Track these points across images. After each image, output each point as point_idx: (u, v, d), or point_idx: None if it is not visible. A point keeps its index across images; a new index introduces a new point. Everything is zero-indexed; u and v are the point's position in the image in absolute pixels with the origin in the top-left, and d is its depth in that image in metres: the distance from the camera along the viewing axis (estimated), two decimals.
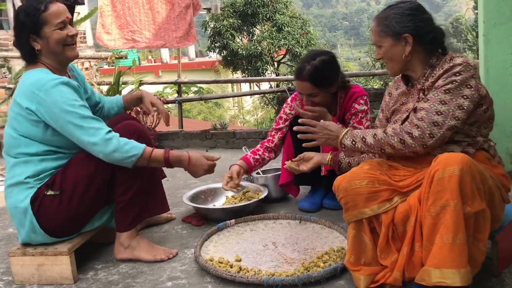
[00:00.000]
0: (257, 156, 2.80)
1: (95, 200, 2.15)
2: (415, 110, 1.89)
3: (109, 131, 2.06)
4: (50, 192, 2.07)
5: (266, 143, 2.86)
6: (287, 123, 2.83)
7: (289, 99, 2.85)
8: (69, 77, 2.22)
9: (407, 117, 1.93)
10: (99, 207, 2.21)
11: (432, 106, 1.79)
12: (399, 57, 1.90)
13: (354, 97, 2.67)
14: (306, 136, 2.09)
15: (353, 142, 1.95)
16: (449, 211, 1.58)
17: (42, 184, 2.10)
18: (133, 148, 2.07)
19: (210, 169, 2.32)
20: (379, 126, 2.18)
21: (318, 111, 2.58)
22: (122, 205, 2.19)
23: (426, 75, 1.91)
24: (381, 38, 1.90)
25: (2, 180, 4.01)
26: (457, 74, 1.79)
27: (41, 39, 2.10)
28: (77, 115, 2.02)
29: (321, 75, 2.48)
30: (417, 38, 1.86)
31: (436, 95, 1.80)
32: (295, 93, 2.83)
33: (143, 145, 2.10)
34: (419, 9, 1.90)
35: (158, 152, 2.14)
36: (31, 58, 2.15)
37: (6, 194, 2.13)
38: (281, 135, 2.85)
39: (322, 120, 2.11)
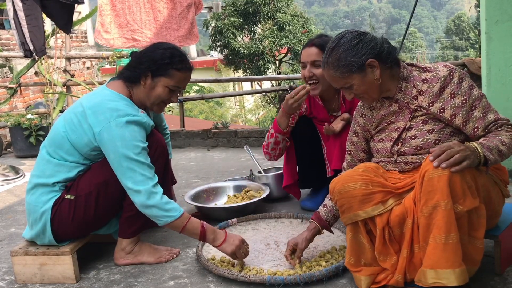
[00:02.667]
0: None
1: (107, 209, 2.13)
2: (408, 129, 1.86)
3: (156, 184, 2.02)
4: (68, 196, 2.08)
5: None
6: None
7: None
8: (144, 110, 2.21)
9: (399, 136, 1.88)
10: (109, 217, 2.20)
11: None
12: (373, 85, 1.83)
13: None
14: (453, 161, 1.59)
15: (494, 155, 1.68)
16: (440, 211, 1.58)
17: (65, 189, 2.11)
18: (173, 209, 2.02)
19: (243, 243, 2.13)
20: (353, 150, 2.11)
21: (347, 118, 2.59)
22: (130, 214, 2.15)
23: (402, 89, 1.87)
24: (347, 79, 1.81)
25: (4, 180, 4.02)
26: (461, 80, 1.79)
27: (152, 81, 2.12)
28: (136, 157, 1.99)
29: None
30: (378, 58, 1.80)
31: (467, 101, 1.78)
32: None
33: (182, 210, 2.05)
34: (360, 34, 1.83)
35: (195, 223, 2.07)
36: (130, 79, 2.15)
37: (30, 189, 2.13)
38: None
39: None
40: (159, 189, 2.02)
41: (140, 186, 1.99)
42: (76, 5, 4.57)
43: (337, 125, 2.62)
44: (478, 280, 1.83)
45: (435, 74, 1.82)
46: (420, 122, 1.85)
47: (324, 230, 2.13)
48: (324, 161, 2.78)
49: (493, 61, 3.11)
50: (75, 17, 5.27)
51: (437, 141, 1.81)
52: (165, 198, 2.03)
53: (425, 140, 1.83)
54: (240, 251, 2.10)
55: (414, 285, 1.70)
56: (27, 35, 4.32)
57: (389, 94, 1.90)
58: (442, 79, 1.80)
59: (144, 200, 1.99)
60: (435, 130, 1.82)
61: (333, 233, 2.25)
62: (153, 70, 2.10)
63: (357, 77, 1.80)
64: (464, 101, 1.77)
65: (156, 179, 2.04)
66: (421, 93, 1.83)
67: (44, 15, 4.59)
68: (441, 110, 1.80)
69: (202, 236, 2.09)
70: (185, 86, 2.24)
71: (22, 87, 5.91)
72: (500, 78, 3.10)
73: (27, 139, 5.04)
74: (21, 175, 4.16)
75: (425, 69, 1.87)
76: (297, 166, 2.86)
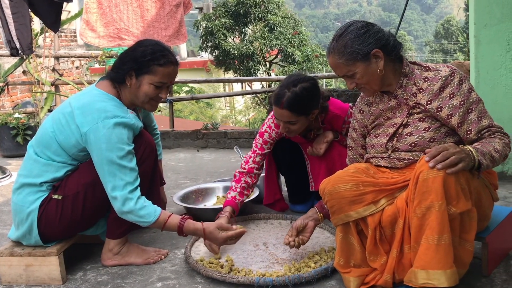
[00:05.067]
0: (244, 197, 2.54)
1: (94, 209, 2.11)
2: (405, 125, 1.88)
3: (134, 190, 2.01)
4: (55, 196, 2.05)
5: (254, 171, 2.57)
6: (272, 147, 2.65)
7: (271, 123, 2.60)
8: (134, 110, 2.19)
9: (395, 132, 1.89)
10: (97, 218, 2.18)
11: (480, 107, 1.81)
12: (376, 76, 1.84)
13: (341, 120, 2.57)
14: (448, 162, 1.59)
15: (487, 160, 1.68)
16: (434, 212, 1.58)
17: (52, 189, 2.09)
18: (148, 215, 2.01)
19: (226, 242, 2.14)
20: (354, 146, 2.13)
21: (330, 139, 2.56)
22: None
23: (403, 85, 1.88)
24: (350, 66, 1.82)
25: None
26: (461, 82, 1.81)
27: (137, 80, 2.09)
28: (118, 161, 1.97)
29: (301, 104, 2.30)
30: (384, 50, 1.82)
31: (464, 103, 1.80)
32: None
33: (159, 212, 2.03)
34: (368, 24, 1.86)
35: (173, 222, 2.07)
36: (116, 80, 2.12)
37: (16, 189, 2.10)
38: (264, 158, 2.65)
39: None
40: (135, 195, 2.01)
41: (116, 192, 1.98)
42: (65, 4, 4.53)
43: (321, 146, 2.57)
44: (465, 282, 1.84)
45: (436, 74, 1.84)
46: (417, 119, 1.86)
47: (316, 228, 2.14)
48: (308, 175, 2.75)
49: (482, 64, 3.13)
50: (64, 16, 5.23)
51: (432, 140, 1.83)
52: (140, 203, 2.01)
53: (420, 137, 1.84)
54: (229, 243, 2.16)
55: (403, 285, 1.70)
56: (13, 33, 4.26)
57: (389, 88, 1.91)
58: (443, 78, 1.82)
59: (120, 206, 1.99)
60: (431, 128, 1.84)
61: None
62: (136, 69, 2.08)
63: (361, 66, 1.82)
64: (462, 103, 1.79)
65: (137, 183, 2.03)
66: (421, 90, 1.85)
67: (31, 13, 4.54)
68: (439, 109, 1.82)
69: (182, 235, 2.12)
70: (172, 81, 2.19)
71: (9, 86, 5.84)
72: (489, 81, 3.12)
73: (14, 138, 4.98)
74: (8, 175, 4.11)
75: (427, 68, 1.89)
76: (279, 183, 2.87)
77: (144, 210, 2.01)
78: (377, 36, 1.82)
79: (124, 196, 1.98)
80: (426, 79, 1.85)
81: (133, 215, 2.00)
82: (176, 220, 2.08)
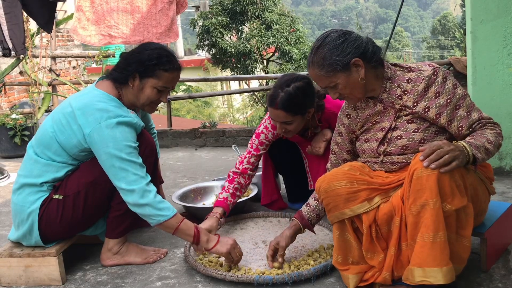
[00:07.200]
0: (236, 199, 2.52)
1: (95, 209, 2.11)
2: (394, 128, 1.87)
3: (149, 183, 2.01)
4: (56, 196, 2.05)
5: (248, 172, 2.58)
6: (267, 148, 2.65)
7: (268, 124, 2.59)
8: (133, 110, 2.19)
9: (385, 136, 1.88)
10: (97, 217, 2.18)
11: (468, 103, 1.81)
12: (358, 84, 1.82)
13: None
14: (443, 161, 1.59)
15: (481, 153, 1.69)
16: (428, 210, 1.59)
17: (53, 189, 2.09)
18: (166, 208, 2.00)
19: (235, 246, 2.10)
20: (337, 151, 2.11)
21: (329, 137, 2.52)
22: (118, 213, 2.14)
23: (387, 89, 1.87)
24: (332, 78, 1.80)
25: None
26: (445, 80, 1.80)
27: (140, 83, 2.10)
28: (127, 157, 1.97)
29: (296, 103, 2.28)
30: (363, 57, 1.80)
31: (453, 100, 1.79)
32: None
33: (175, 210, 2.03)
34: (345, 33, 1.83)
35: (188, 224, 2.06)
36: (119, 81, 2.12)
37: (16, 189, 2.10)
38: (259, 159, 2.65)
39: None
40: (153, 188, 2.01)
41: (133, 185, 1.97)
42: (61, 3, 4.51)
43: (320, 145, 2.56)
44: (464, 277, 1.85)
45: (419, 74, 1.83)
46: (405, 121, 1.85)
47: (306, 230, 2.13)
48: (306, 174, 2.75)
49: (479, 60, 3.14)
50: (61, 15, 5.21)
51: (422, 140, 1.82)
52: (159, 197, 2.01)
53: (410, 139, 1.83)
54: (235, 251, 2.09)
55: (402, 282, 1.71)
56: (6, 33, 4.22)
57: (373, 94, 1.90)
58: (427, 78, 1.81)
59: (137, 198, 1.97)
60: (420, 129, 1.83)
61: (315, 233, 2.24)
62: (141, 72, 2.09)
63: (342, 76, 1.80)
64: (448, 100, 1.79)
65: (149, 178, 2.03)
66: (406, 92, 1.84)
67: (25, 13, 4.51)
68: (426, 110, 1.81)
69: (196, 237, 2.07)
70: (174, 86, 2.22)
71: (6, 87, 5.83)
72: (485, 77, 3.13)
73: (11, 139, 4.97)
74: (6, 176, 4.11)
75: (409, 68, 1.87)
76: (276, 183, 2.86)
77: (162, 204, 2.00)
78: (355, 45, 1.79)
79: (143, 188, 1.97)
80: (409, 80, 1.84)
81: (151, 208, 1.98)
82: (191, 225, 2.07)
